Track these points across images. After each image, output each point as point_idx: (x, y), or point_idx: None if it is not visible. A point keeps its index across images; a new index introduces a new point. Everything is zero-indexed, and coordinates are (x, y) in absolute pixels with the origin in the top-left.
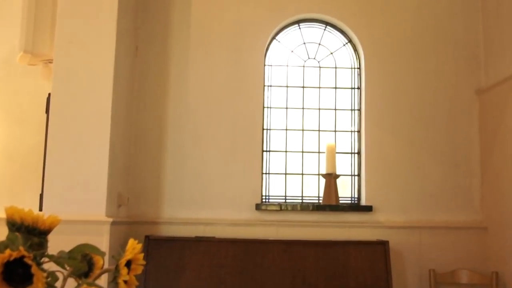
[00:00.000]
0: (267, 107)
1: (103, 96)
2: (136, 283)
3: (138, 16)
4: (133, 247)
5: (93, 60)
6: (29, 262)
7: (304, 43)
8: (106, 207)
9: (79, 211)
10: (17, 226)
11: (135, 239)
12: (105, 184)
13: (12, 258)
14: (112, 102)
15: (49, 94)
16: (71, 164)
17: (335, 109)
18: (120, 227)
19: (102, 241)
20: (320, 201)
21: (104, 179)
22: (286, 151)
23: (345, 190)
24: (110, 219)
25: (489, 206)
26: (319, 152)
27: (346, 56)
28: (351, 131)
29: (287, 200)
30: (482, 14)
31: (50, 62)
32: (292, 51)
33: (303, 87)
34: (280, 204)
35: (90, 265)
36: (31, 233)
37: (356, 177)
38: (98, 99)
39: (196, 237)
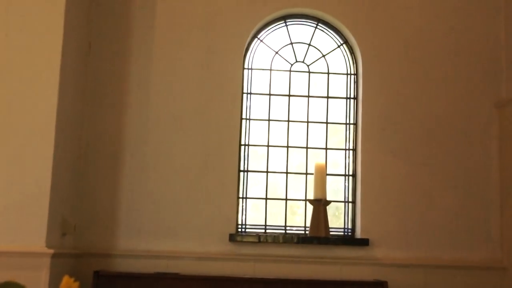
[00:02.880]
0: (246, 119)
1: (47, 101)
2: None
3: (92, 6)
4: (68, 286)
5: (35, 57)
6: None
7: (291, 43)
8: (47, 235)
9: (12, 240)
10: None
11: (82, 274)
12: (46, 208)
13: None
14: (58, 109)
15: None
16: (4, 182)
17: (327, 123)
18: (64, 260)
19: (40, 278)
20: (307, 232)
21: (45, 202)
22: (267, 172)
23: (336, 220)
24: (51, 251)
25: (510, 242)
26: (306, 174)
27: (340, 59)
28: (345, 149)
29: (267, 231)
30: (504, 13)
31: None
32: (276, 53)
33: (289, 95)
34: (258, 235)
35: None
36: None
37: (350, 204)
38: (40, 104)
39: (157, 273)
